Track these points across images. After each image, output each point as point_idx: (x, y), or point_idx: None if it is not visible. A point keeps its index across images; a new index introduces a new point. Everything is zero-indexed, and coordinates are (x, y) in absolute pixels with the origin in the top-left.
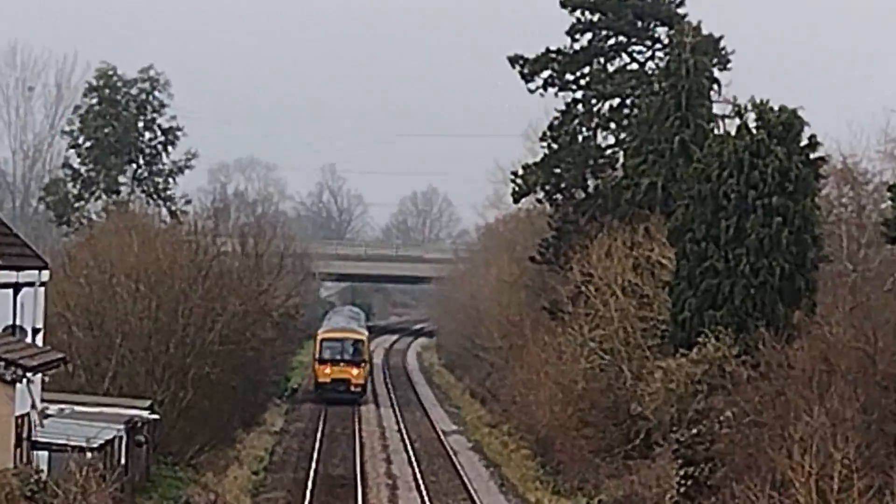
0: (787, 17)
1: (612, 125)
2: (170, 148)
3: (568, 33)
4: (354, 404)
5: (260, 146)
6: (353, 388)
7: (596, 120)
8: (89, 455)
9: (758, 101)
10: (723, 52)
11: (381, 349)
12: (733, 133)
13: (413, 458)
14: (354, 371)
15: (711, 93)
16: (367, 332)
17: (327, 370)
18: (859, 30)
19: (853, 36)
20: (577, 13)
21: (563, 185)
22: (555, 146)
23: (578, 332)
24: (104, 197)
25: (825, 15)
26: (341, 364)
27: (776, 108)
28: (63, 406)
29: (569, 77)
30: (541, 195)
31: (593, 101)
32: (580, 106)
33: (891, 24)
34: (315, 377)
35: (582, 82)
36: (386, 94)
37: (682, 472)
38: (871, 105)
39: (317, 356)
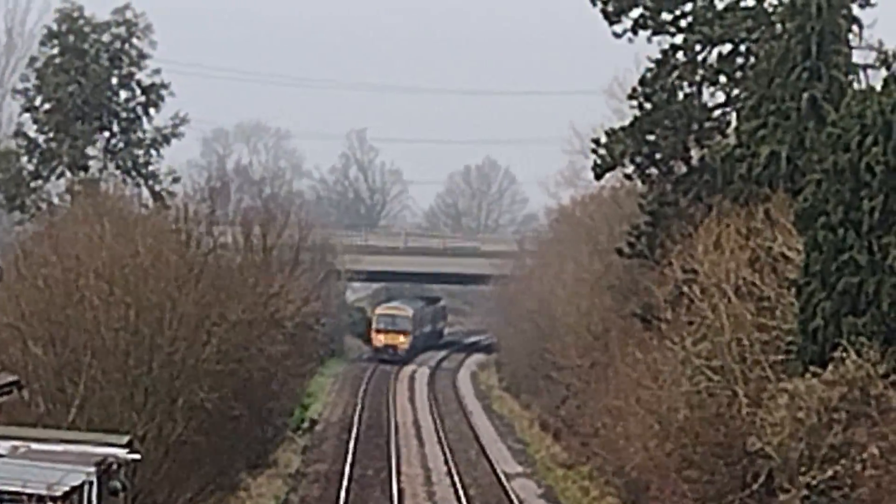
0: None
1: (722, 78)
2: (152, 111)
3: None
4: (402, 364)
5: (268, 108)
6: (398, 351)
7: (701, 72)
8: None
9: None
10: None
11: (425, 367)
12: (879, 88)
13: None
14: (401, 338)
15: (850, 36)
16: (412, 311)
17: (381, 337)
18: None
19: None
20: None
21: (658, 157)
22: (648, 106)
23: (680, 346)
24: (68, 174)
25: None
26: (391, 333)
27: None
28: (18, 444)
29: (666, 16)
30: (630, 169)
31: (697, 47)
32: (680, 54)
33: None
34: (372, 343)
35: (683, 23)
36: (429, 37)
37: None
38: None
39: (374, 327)
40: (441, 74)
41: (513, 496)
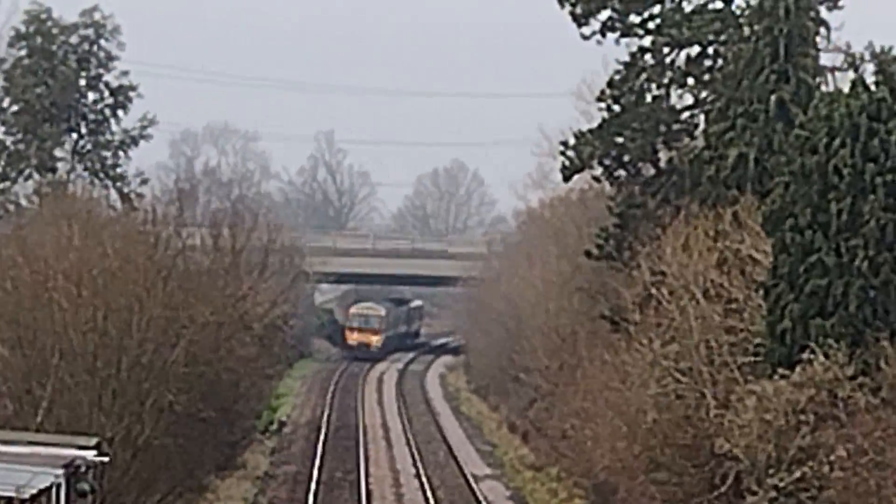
0: None
1: (690, 81)
2: (120, 113)
3: None
4: (375, 361)
5: (236, 110)
6: (371, 348)
7: (669, 74)
8: None
9: (878, 47)
10: None
11: (392, 370)
12: (846, 90)
13: None
14: (374, 337)
15: (818, 38)
16: (383, 311)
17: (355, 335)
18: None
19: None
20: None
21: (626, 159)
22: (616, 108)
23: (648, 348)
24: (36, 176)
25: None
26: (365, 331)
27: None
28: None
29: (634, 19)
30: (598, 171)
31: (665, 49)
32: (649, 56)
33: None
34: (345, 340)
35: (651, 26)
36: (397, 40)
37: None
38: None
39: (348, 325)
40: (409, 76)
41: (481, 498)
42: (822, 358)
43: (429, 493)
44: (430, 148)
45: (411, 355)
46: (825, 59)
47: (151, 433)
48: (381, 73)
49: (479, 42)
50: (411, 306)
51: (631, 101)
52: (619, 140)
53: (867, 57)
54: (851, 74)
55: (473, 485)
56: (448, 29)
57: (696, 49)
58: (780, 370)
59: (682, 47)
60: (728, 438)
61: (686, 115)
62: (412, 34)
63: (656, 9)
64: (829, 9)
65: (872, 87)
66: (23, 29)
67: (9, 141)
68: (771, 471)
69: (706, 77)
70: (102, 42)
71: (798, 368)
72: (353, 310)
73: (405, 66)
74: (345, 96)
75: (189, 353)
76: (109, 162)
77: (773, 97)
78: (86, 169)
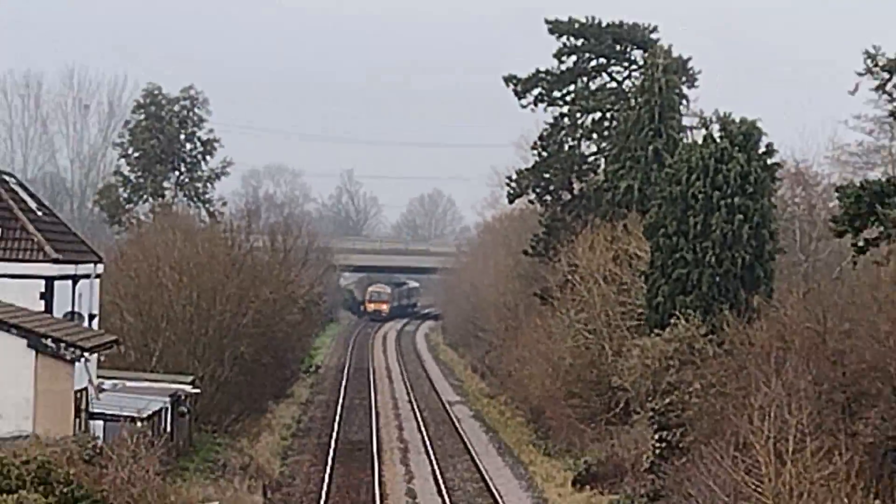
0: (749, 40)
1: (594, 136)
2: (208, 157)
3: (555, 56)
4: (384, 321)
5: (287, 154)
6: (383, 314)
7: (580, 131)
8: (139, 424)
9: (721, 113)
10: (690, 72)
11: (392, 331)
12: (700, 142)
13: (422, 426)
14: (384, 306)
15: (681, 107)
16: (389, 289)
17: (372, 305)
18: (812, 46)
19: (806, 51)
20: (564, 39)
21: (551, 188)
22: (544, 154)
23: (566, 315)
24: (151, 200)
25: (786, 36)
26: (378, 302)
27: (737, 119)
28: (116, 381)
29: (556, 94)
30: (532, 197)
31: (577, 115)
32: (566, 119)
33: (837, 42)
34: (365, 309)
35: (567, 99)
36: (399, 102)
37: (656, 437)
38: (821, 116)
39: (367, 299)
40: (405, 131)
41: (452, 416)
42: (683, 322)
43: (417, 413)
44: (418, 181)
45: (406, 320)
46: (686, 121)
47: (229, 373)
48: (386, 128)
49: (454, 105)
50: (409, 286)
51: (554, 149)
52: (546, 176)
53: (714, 119)
54: (703, 132)
55: (448, 407)
56: (432, 96)
57: (598, 114)
58: (656, 330)
59: (588, 113)
60: (620, 376)
61: (591, 158)
62: (409, 98)
63: (571, 87)
64: (689, 87)
65: (718, 140)
66: (141, 100)
67: (132, 176)
68: (649, 398)
69: (605, 133)
70: (196, 109)
71: (667, 329)
72: (370, 289)
73: (404, 123)
74: (361, 146)
75: (254, 319)
76: (200, 190)
77: (650, 147)
78: (184, 195)
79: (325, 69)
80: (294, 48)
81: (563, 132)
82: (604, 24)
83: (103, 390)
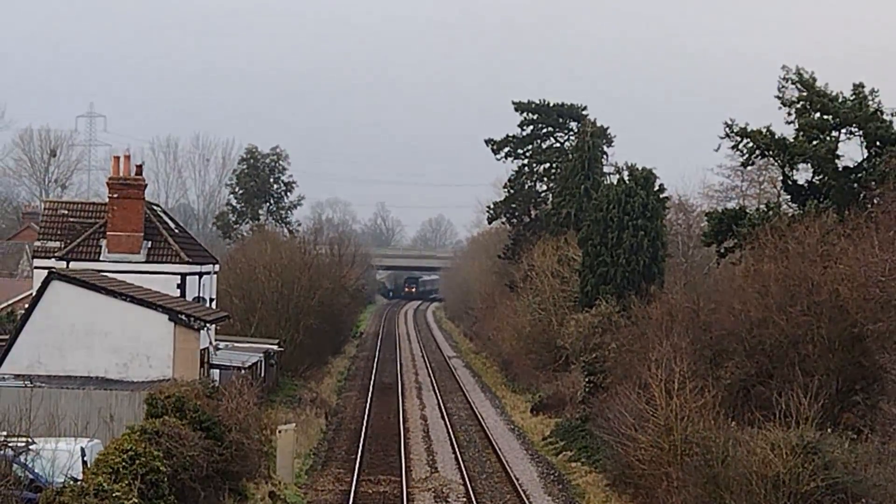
0: (650, 113)
1: (545, 179)
2: (288, 194)
3: (519, 126)
4: (409, 300)
5: (342, 191)
6: (412, 295)
7: (535, 176)
8: (243, 372)
9: (629, 164)
10: (609, 136)
11: (411, 310)
12: (615, 182)
13: (430, 372)
14: (413, 290)
15: (602, 159)
16: (418, 279)
17: (405, 289)
18: (693, 110)
19: (688, 128)
20: (525, 114)
21: (517, 214)
22: (512, 191)
23: (526, 299)
24: (250, 222)
25: (676, 106)
26: (410, 287)
27: (640, 167)
28: (227, 343)
29: (520, 151)
30: (504, 219)
31: (534, 165)
32: (526, 168)
33: (705, 114)
34: (403, 290)
35: (527, 154)
36: (416, 158)
37: (587, 380)
38: (695, 165)
39: (406, 286)
40: (420, 173)
41: (451, 365)
42: (604, 303)
43: (427, 363)
44: (428, 209)
45: (420, 301)
46: (606, 169)
47: (302, 337)
48: (408, 171)
49: (454, 156)
50: (426, 278)
51: (518, 187)
52: (513, 205)
53: (624, 168)
54: (617, 176)
55: (448, 360)
56: (439, 150)
57: (547, 165)
58: (586, 309)
59: (541, 164)
60: (562, 339)
61: (543, 194)
62: (423, 150)
63: (530, 147)
64: (608, 146)
65: (627, 181)
66: (243, 155)
67: (238, 206)
68: (582, 354)
69: (552, 177)
70: (280, 161)
71: (594, 308)
72: (406, 281)
73: (419, 168)
74: (390, 185)
75: (319, 301)
76: (284, 216)
77: (582, 186)
78: (273, 219)
79: (372, 123)
80: (350, 109)
81: (524, 176)
82: (551, 104)
83: (219, 349)
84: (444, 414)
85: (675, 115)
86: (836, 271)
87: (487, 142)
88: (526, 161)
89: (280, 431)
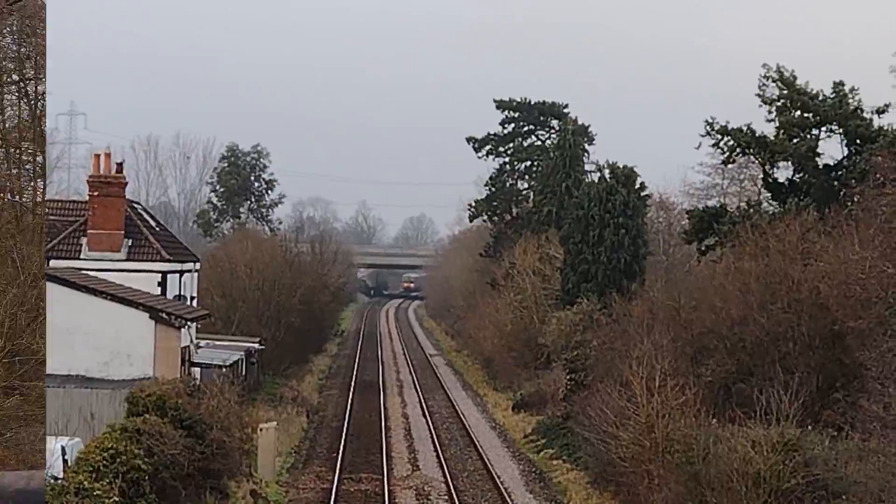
0: (631, 112)
1: (526, 177)
2: (269, 192)
3: (500, 123)
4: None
5: (324, 190)
6: (406, 292)
7: (516, 174)
8: (224, 370)
9: (611, 162)
10: (590, 134)
11: (392, 307)
12: (596, 181)
13: (412, 370)
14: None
15: (584, 157)
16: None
17: (404, 284)
18: (674, 109)
19: (668, 128)
20: (506, 112)
21: (498, 212)
22: (493, 189)
23: (508, 296)
24: (231, 221)
25: (661, 107)
26: (407, 287)
27: (621, 165)
28: (208, 341)
29: (501, 149)
30: (485, 217)
31: (515, 163)
32: (507, 166)
33: (685, 122)
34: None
35: (509, 152)
36: (397, 156)
37: (568, 377)
38: (676, 163)
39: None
40: (401, 172)
41: (432, 363)
42: (586, 301)
43: (409, 361)
44: (410, 207)
45: (401, 300)
46: (587, 167)
47: (284, 335)
48: (389, 170)
49: (434, 154)
50: (411, 277)
51: (500, 186)
52: (495, 203)
53: (606, 166)
54: (598, 174)
55: (429, 358)
56: (420, 148)
57: (528, 163)
58: (567, 306)
59: (522, 162)
60: (544, 337)
61: (524, 192)
62: (405, 148)
63: (511, 145)
64: (589, 144)
65: (608, 179)
66: (225, 154)
67: (219, 204)
68: (563, 351)
69: (533, 175)
70: (261, 160)
71: (575, 306)
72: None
73: (400, 165)
74: (372, 184)
75: (301, 299)
76: (265, 214)
77: (563, 184)
78: (254, 217)
79: (354, 122)
80: (331, 107)
81: (506, 175)
82: (532, 103)
83: (200, 347)
84: (426, 412)
85: (655, 113)
86: (817, 269)
87: (469, 140)
88: (507, 159)
89: (261, 430)
